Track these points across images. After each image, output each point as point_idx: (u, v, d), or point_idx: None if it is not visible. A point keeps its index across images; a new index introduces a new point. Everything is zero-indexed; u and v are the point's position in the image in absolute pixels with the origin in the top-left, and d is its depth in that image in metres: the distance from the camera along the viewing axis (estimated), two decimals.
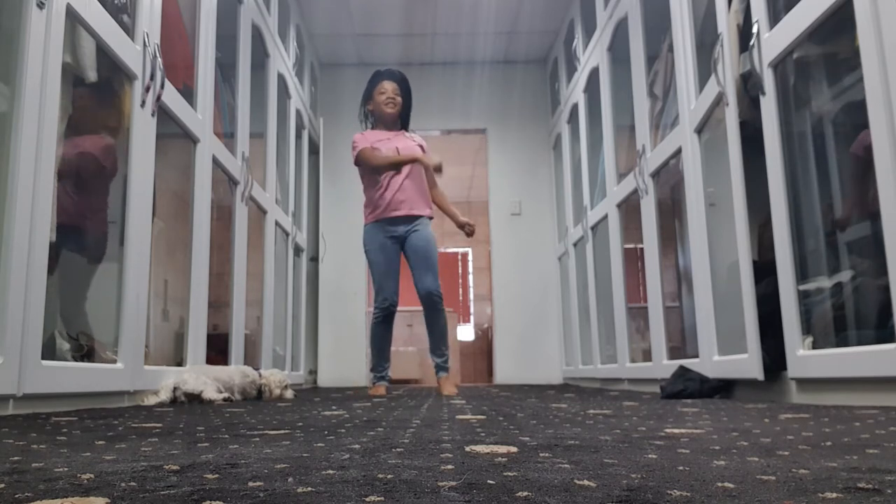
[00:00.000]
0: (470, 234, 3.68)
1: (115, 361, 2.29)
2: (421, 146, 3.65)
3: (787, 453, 0.87)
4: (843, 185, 2.16)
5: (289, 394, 2.96)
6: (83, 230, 2.49)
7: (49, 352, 2.11)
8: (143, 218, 2.46)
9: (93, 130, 2.57)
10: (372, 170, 3.54)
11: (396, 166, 3.52)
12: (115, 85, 2.49)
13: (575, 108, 4.99)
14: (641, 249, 3.66)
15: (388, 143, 3.59)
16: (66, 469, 0.77)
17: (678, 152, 3.09)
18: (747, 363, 2.39)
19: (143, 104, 2.46)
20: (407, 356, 8.46)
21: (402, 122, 3.72)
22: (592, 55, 4.49)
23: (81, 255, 2.51)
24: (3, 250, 1.71)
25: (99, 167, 2.51)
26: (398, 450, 0.92)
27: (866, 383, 1.84)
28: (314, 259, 5.65)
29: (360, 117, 3.77)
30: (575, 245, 5.17)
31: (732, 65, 2.50)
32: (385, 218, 3.54)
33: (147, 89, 2.47)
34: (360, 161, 3.56)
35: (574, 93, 5.01)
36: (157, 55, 2.53)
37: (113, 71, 2.41)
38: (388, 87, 3.66)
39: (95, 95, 2.51)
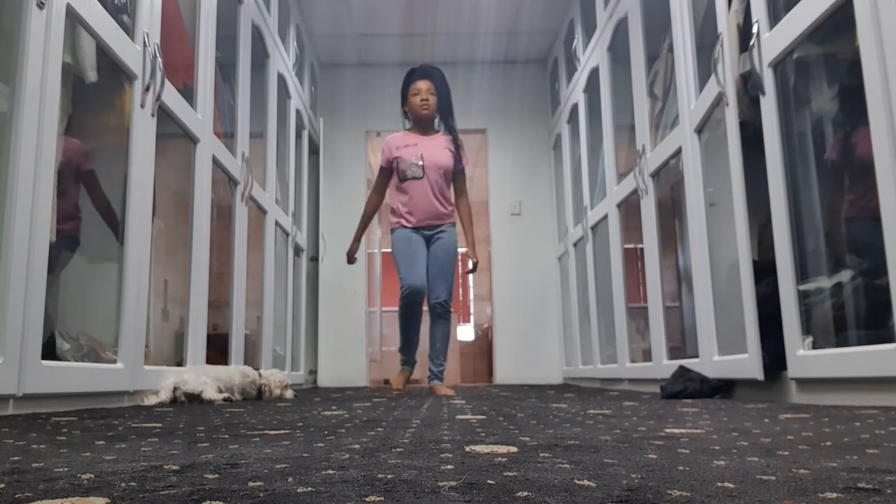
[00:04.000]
0: (471, 270, 3.71)
1: (115, 361, 2.29)
2: (455, 149, 3.63)
3: (787, 453, 0.87)
4: (840, 188, 2.16)
5: (289, 394, 2.96)
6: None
7: (49, 352, 2.11)
8: (143, 218, 2.46)
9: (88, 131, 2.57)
10: (399, 175, 3.61)
11: (354, 236, 3.73)
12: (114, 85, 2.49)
13: (575, 108, 4.98)
14: (641, 249, 3.66)
15: (413, 150, 3.59)
16: (66, 469, 0.77)
17: (678, 152, 3.09)
18: (747, 363, 2.39)
19: (143, 104, 2.46)
20: None
21: (442, 118, 3.68)
22: (592, 55, 4.49)
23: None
24: (3, 250, 1.71)
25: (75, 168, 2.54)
26: (398, 450, 0.92)
27: (866, 383, 1.84)
28: (314, 259, 5.65)
29: (402, 117, 3.79)
30: (575, 245, 5.17)
31: (732, 65, 2.50)
32: (409, 227, 3.60)
33: (147, 89, 2.47)
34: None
35: (574, 93, 5.01)
36: (157, 55, 2.53)
37: (112, 71, 2.41)
38: (422, 86, 3.62)
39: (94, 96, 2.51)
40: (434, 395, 3.25)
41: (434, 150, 3.59)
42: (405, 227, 3.59)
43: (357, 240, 3.74)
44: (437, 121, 3.71)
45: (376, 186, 3.75)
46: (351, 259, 3.77)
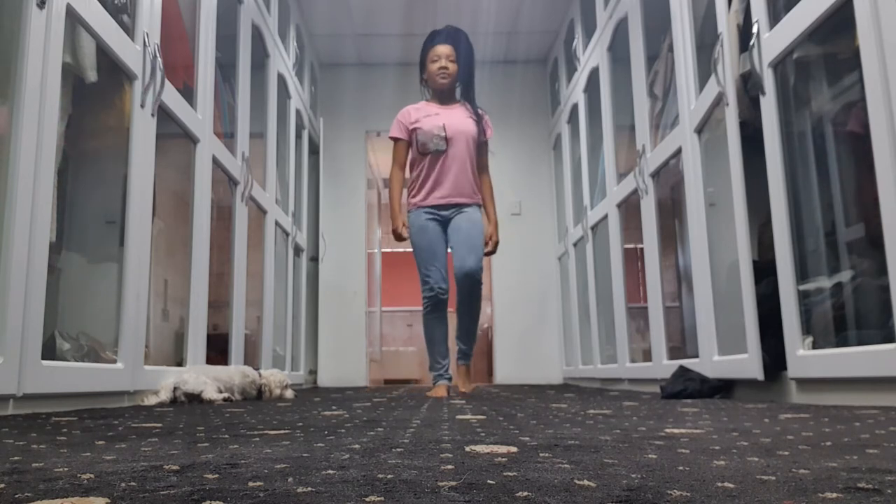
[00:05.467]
0: (490, 252, 3.30)
1: (115, 361, 2.29)
2: (478, 120, 3.27)
3: (787, 453, 0.87)
4: (848, 170, 2.16)
5: (289, 394, 2.96)
6: None
7: (49, 352, 2.11)
8: (143, 218, 2.46)
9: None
10: (418, 148, 3.23)
11: (392, 214, 3.23)
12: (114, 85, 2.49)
13: (575, 108, 4.99)
14: (641, 249, 3.66)
15: (434, 120, 3.22)
16: (66, 469, 0.77)
17: (678, 152, 3.09)
18: (747, 363, 2.39)
19: (143, 104, 2.46)
20: (406, 356, 8.45)
21: (463, 89, 3.33)
22: (592, 55, 4.49)
23: None
24: (3, 250, 1.71)
25: None
26: (398, 450, 0.92)
27: (866, 383, 1.84)
28: (314, 259, 5.66)
29: (421, 86, 3.42)
30: (575, 245, 5.17)
31: (732, 65, 2.50)
32: (426, 206, 3.21)
33: (147, 89, 2.47)
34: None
35: (574, 93, 5.01)
36: (157, 55, 2.53)
37: (112, 71, 2.41)
38: (442, 51, 3.25)
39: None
40: (457, 392, 2.99)
41: (457, 118, 3.23)
42: (422, 207, 3.20)
43: (398, 215, 3.23)
44: (458, 92, 3.36)
45: (397, 159, 3.28)
46: (401, 236, 3.24)
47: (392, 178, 3.30)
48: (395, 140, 3.31)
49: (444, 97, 3.32)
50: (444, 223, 3.23)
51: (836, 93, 2.19)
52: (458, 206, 3.22)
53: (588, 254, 4.72)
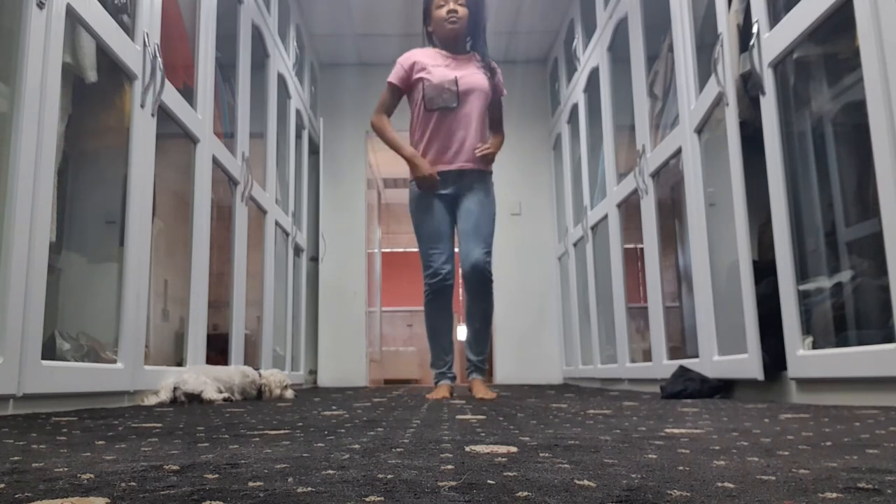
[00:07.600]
0: (483, 150, 2.85)
1: (115, 361, 2.29)
2: (491, 75, 2.92)
3: (787, 453, 0.87)
4: (848, 169, 2.16)
5: (289, 394, 2.96)
6: None
7: (49, 352, 2.11)
8: (143, 218, 2.46)
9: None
10: (424, 103, 2.83)
11: (404, 155, 2.85)
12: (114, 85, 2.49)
13: (575, 108, 4.99)
14: (641, 249, 3.66)
15: (445, 72, 2.82)
16: (66, 469, 0.77)
17: (678, 152, 3.09)
18: (747, 363, 2.39)
19: (143, 104, 2.46)
20: (406, 356, 8.46)
21: (473, 41, 2.95)
22: (592, 55, 4.49)
23: None
24: (3, 250, 1.71)
25: None
26: (398, 450, 0.92)
27: (866, 383, 1.84)
28: (314, 259, 5.66)
29: (423, 40, 3.04)
30: (575, 245, 5.17)
31: (732, 65, 2.50)
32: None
33: (147, 89, 2.47)
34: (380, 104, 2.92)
35: (574, 93, 5.01)
36: (157, 55, 2.53)
37: (112, 71, 2.41)
38: None
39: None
40: (469, 395, 2.74)
41: (471, 72, 2.85)
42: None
43: (412, 153, 2.84)
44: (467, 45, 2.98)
45: (385, 108, 2.90)
46: (431, 177, 2.80)
47: (380, 124, 2.88)
48: (390, 86, 2.89)
49: (454, 48, 2.91)
50: (450, 200, 2.87)
51: (836, 93, 2.19)
52: (467, 174, 2.84)
53: (588, 254, 4.72)
